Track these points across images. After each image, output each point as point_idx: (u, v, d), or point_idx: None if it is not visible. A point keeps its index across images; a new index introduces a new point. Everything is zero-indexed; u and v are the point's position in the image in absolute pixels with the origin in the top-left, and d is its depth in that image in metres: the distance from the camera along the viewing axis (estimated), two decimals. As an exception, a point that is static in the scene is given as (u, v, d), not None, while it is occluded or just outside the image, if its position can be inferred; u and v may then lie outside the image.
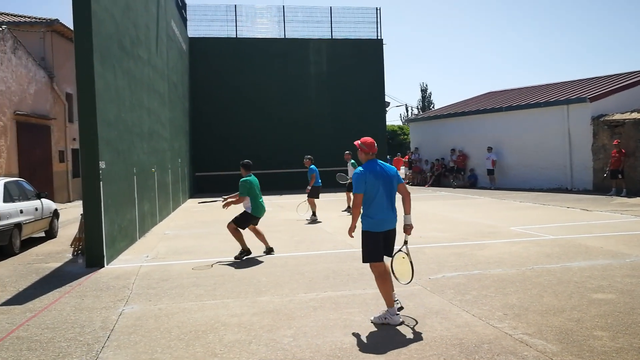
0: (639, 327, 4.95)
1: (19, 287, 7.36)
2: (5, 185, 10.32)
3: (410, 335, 4.94)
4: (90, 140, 8.51)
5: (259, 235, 9.22)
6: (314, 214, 13.54)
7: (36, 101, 20.15)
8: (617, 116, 18.13)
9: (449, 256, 8.44)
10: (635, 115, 17.59)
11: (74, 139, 22.34)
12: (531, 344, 4.63)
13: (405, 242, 5.48)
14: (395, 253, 5.52)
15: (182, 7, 23.16)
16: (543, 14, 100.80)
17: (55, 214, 12.42)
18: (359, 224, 5.45)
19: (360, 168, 5.41)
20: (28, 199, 11.02)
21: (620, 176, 17.22)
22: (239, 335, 5.08)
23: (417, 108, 58.64)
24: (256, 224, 9.22)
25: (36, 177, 18.52)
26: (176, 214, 16.24)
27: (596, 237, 9.80)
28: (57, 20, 21.24)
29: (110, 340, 5.06)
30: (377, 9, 26.76)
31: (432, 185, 25.09)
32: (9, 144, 18.03)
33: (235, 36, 25.71)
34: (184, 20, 23.80)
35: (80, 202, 9.42)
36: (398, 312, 5.28)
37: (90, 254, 8.54)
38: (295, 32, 26.23)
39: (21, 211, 10.36)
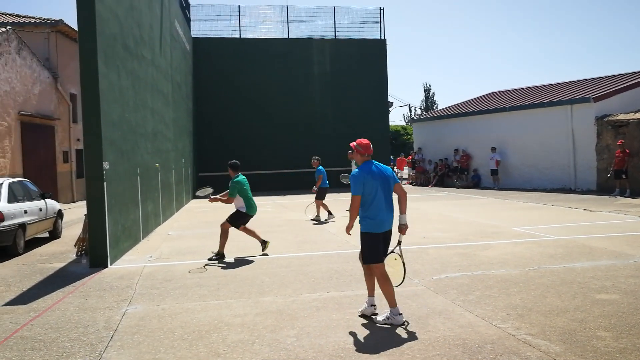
0: (643, 328, 4.94)
1: (23, 287, 7.39)
2: (10, 185, 10.36)
3: (413, 336, 4.94)
4: (94, 140, 8.53)
5: (250, 232, 9.33)
6: (318, 215, 13.61)
7: (40, 102, 20.22)
8: (621, 116, 18.07)
9: (452, 256, 8.43)
10: (639, 115, 17.54)
11: (78, 140, 22.39)
12: (534, 344, 4.62)
13: (399, 243, 5.49)
14: (388, 254, 5.52)
15: (185, 7, 23.20)
16: (546, 14, 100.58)
17: (59, 214, 12.46)
18: (357, 226, 5.46)
19: (356, 170, 5.42)
20: (32, 199, 11.05)
21: (624, 176, 17.17)
22: (242, 335, 5.09)
23: (421, 108, 58.69)
24: (245, 223, 9.32)
25: (40, 177, 18.56)
26: (180, 214, 16.27)
27: (600, 237, 9.77)
28: (61, 20, 21.30)
29: (113, 340, 5.07)
30: (380, 9, 26.78)
31: (436, 185, 25.07)
32: (13, 144, 18.09)
33: (238, 36, 25.73)
34: (188, 20, 23.84)
35: (84, 202, 9.44)
36: (401, 313, 5.28)
37: (94, 254, 8.56)
38: (298, 32, 26.25)
39: (25, 211, 10.39)
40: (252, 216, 9.25)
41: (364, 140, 5.53)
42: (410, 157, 29.34)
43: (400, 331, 5.08)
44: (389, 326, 5.21)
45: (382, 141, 25.99)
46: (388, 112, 28.12)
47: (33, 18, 22.05)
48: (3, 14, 22.71)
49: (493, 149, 22.31)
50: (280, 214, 15.27)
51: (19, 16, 22.35)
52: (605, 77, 22.55)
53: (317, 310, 5.82)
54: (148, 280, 7.48)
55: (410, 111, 57.92)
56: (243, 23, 25.79)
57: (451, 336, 4.88)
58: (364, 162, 5.47)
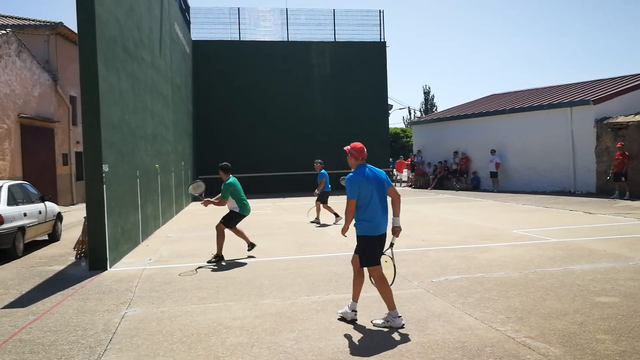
0: (642, 331, 4.93)
1: (22, 290, 7.38)
2: (9, 188, 10.35)
3: (412, 339, 4.93)
4: (94, 143, 8.53)
5: (239, 233, 9.38)
6: (317, 218, 13.60)
7: (40, 104, 20.23)
8: (621, 119, 18.09)
9: (451, 259, 8.43)
10: (639, 117, 17.55)
11: (78, 142, 22.39)
12: (534, 347, 4.62)
13: (392, 245, 5.49)
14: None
15: (185, 10, 23.24)
16: (546, 17, 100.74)
17: (59, 217, 12.45)
18: (352, 229, 5.45)
19: (351, 174, 5.43)
20: (32, 202, 11.05)
21: (623, 179, 17.17)
22: (241, 338, 5.09)
23: (420, 111, 58.77)
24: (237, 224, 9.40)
25: (40, 180, 18.56)
26: (179, 217, 16.27)
27: (599, 240, 9.77)
28: (61, 23, 21.31)
29: (112, 343, 5.07)
30: (380, 12, 26.82)
31: (435, 188, 25.06)
32: (13, 146, 18.10)
33: (238, 39, 25.76)
34: (188, 23, 23.87)
35: (84, 205, 9.43)
36: (400, 315, 5.28)
37: (93, 256, 8.56)
38: (298, 34, 26.30)
39: (25, 214, 10.38)
40: (245, 216, 9.32)
41: (358, 144, 5.54)
42: (409, 159, 29.36)
43: (399, 334, 5.07)
44: (388, 329, 5.20)
45: (382, 144, 26.04)
46: (388, 114, 28.13)
47: (33, 20, 22.07)
48: (3, 16, 22.73)
49: (492, 152, 22.32)
50: (280, 216, 15.26)
51: (19, 18, 22.38)
52: (604, 79, 22.56)
53: (316, 312, 5.82)
54: (147, 283, 7.47)
55: (410, 113, 58.03)
56: (242, 26, 25.85)
57: (450, 339, 4.87)
58: (358, 165, 5.48)
